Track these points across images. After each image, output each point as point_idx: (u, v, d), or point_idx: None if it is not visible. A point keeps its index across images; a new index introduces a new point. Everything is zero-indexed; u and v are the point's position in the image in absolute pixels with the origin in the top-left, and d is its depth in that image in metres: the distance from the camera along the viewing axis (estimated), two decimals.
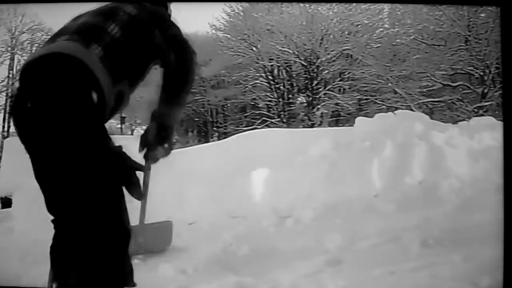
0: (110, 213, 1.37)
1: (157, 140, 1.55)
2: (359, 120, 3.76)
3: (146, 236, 2.33)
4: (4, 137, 17.72)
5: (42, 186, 1.42)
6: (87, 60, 1.32)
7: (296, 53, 17.12)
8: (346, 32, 17.21)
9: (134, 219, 1.56)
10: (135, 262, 2.40)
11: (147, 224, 2.22)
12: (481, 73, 14.66)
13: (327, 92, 17.50)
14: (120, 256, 1.42)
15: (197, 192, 3.15)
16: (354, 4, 17.09)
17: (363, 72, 16.62)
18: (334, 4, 16.39)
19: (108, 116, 1.45)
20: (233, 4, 17.71)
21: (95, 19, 1.47)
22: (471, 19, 14.62)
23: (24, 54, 20.77)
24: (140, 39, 1.49)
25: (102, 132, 1.36)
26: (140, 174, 1.53)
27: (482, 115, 11.52)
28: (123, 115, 22.68)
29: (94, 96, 1.30)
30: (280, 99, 18.10)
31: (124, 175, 1.43)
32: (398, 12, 16.94)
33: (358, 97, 17.44)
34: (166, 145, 1.56)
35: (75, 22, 1.49)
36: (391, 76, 16.17)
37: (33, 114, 1.29)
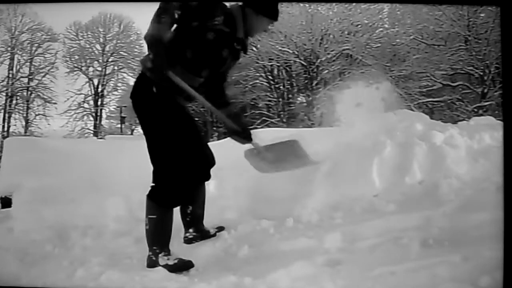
0: (193, 149, 2.40)
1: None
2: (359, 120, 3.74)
3: (274, 151, 2.69)
4: (4, 137, 17.72)
5: (148, 140, 2.36)
6: (144, 69, 2.33)
7: (296, 53, 17.17)
8: (346, 32, 17.25)
9: None
10: (134, 262, 2.41)
11: (272, 144, 2.69)
12: (481, 73, 14.69)
13: (327, 92, 17.51)
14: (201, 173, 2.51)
15: None
16: (354, 4, 17.12)
17: (363, 72, 16.63)
18: (334, 4, 16.43)
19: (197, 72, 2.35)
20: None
21: None
22: (471, 19, 14.65)
23: (24, 54, 20.83)
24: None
25: (172, 104, 2.32)
26: None
27: (482, 115, 11.54)
28: (123, 115, 22.74)
29: (154, 88, 2.26)
30: (280, 99, 18.14)
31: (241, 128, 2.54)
32: (398, 12, 16.98)
33: None
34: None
35: None
36: (391, 76, 16.18)
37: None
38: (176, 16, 2.16)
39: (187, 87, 2.26)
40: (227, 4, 2.37)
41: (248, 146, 2.68)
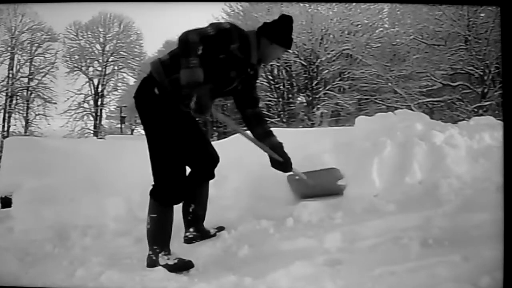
0: (194, 147, 2.55)
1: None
2: (359, 119, 3.74)
3: (315, 179, 2.84)
4: (4, 137, 17.72)
5: (148, 139, 2.38)
6: (151, 70, 2.39)
7: (296, 53, 17.15)
8: (346, 32, 17.25)
9: None
10: (134, 262, 2.41)
11: (313, 171, 2.88)
12: (481, 73, 14.68)
13: (327, 92, 17.53)
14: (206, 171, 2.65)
15: None
16: (354, 4, 17.12)
17: (363, 72, 16.65)
18: (334, 4, 16.41)
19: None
20: (233, 4, 17.74)
21: None
22: (471, 19, 14.64)
23: (24, 54, 20.83)
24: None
25: (173, 105, 2.33)
26: None
27: (482, 114, 11.53)
28: (123, 115, 22.74)
29: (156, 90, 2.32)
30: (280, 99, 18.13)
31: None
32: (398, 12, 16.97)
33: (358, 96, 17.49)
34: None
35: None
36: (391, 76, 16.20)
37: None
38: (200, 51, 2.15)
39: (231, 123, 2.63)
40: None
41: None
